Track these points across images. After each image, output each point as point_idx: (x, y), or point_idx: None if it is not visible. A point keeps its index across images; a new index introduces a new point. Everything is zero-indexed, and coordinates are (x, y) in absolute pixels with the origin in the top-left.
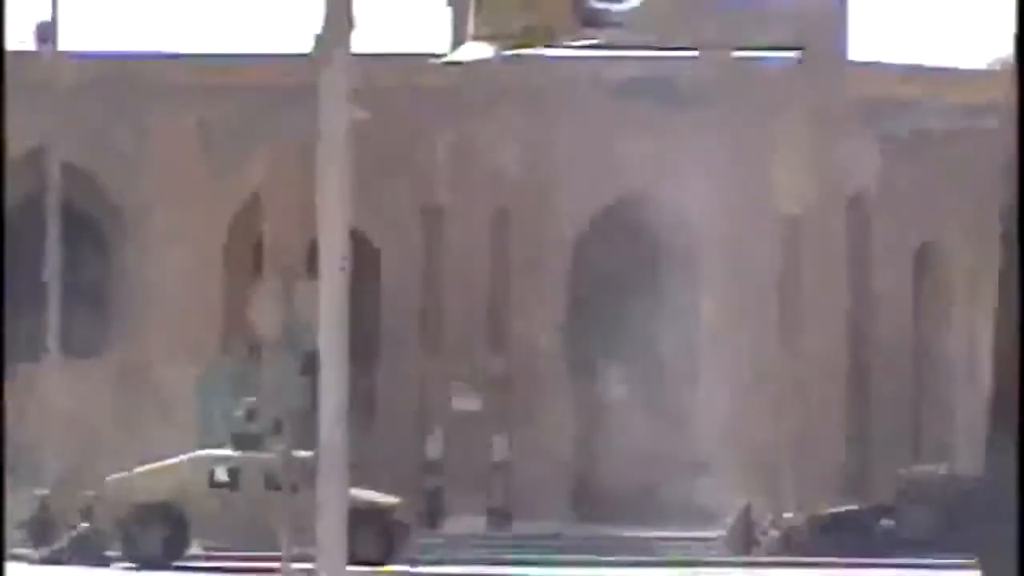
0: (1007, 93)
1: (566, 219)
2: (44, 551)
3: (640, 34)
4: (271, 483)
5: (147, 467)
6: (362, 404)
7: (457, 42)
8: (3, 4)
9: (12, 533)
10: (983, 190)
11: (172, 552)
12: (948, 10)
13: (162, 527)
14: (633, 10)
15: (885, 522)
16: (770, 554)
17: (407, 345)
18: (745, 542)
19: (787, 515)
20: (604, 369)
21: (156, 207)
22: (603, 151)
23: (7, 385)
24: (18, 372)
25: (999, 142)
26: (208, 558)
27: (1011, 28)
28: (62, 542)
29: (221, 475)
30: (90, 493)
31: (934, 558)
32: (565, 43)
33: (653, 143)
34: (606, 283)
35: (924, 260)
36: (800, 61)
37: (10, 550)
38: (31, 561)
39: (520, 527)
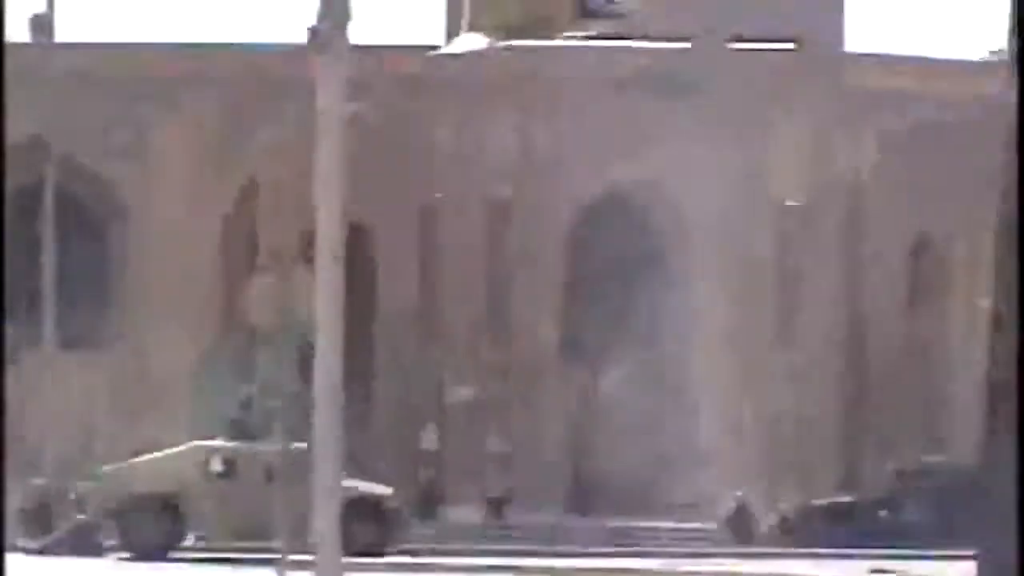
0: (1004, 85)
1: (564, 209)
2: (41, 541)
3: (637, 25)
4: (267, 474)
5: (144, 457)
6: (358, 394)
7: (453, 33)
8: (2, 3)
9: (10, 523)
10: (980, 182)
11: (168, 542)
12: (946, 1)
13: (158, 517)
14: (631, 1)
15: (882, 512)
16: (767, 545)
17: (404, 335)
18: (742, 532)
19: (784, 506)
20: (602, 359)
21: (154, 197)
22: (601, 141)
23: (5, 374)
24: (16, 362)
25: (996, 134)
26: (204, 549)
27: (1007, 21)
28: (59, 532)
29: (217, 465)
30: (87, 483)
31: (931, 548)
32: (563, 34)
33: (651, 133)
34: (605, 273)
35: (921, 251)
36: (797, 52)
37: (7, 540)
38: (28, 551)
39: (517, 517)
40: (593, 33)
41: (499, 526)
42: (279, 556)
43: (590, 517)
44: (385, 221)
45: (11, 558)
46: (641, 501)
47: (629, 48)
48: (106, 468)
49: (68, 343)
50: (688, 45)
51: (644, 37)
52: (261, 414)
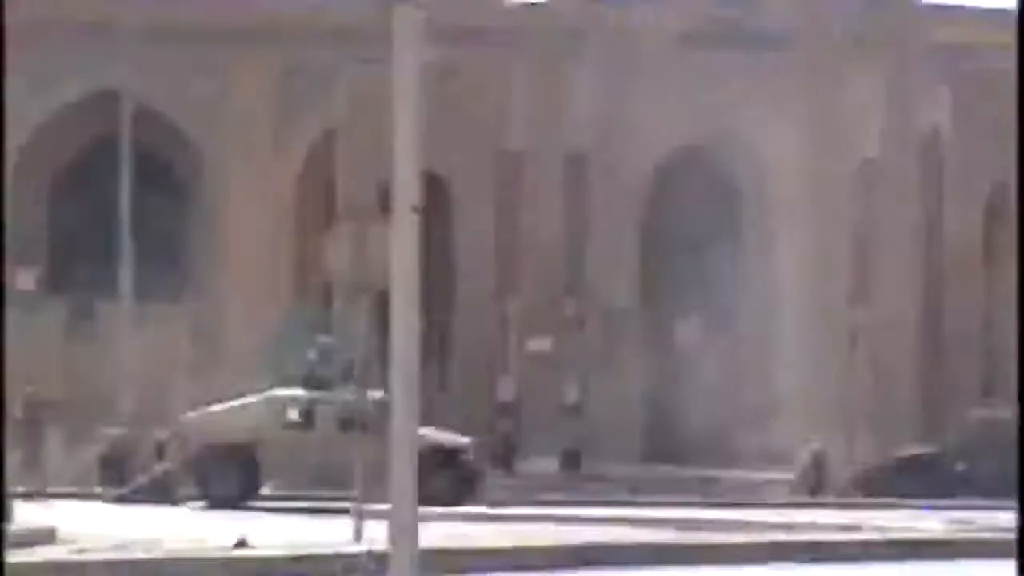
0: None
1: (642, 163)
2: (119, 490)
3: None
4: (344, 423)
5: (221, 406)
6: (436, 345)
7: None
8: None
9: (89, 471)
10: None
11: (245, 492)
12: None
13: (235, 467)
14: None
15: (960, 465)
16: (843, 496)
17: (481, 287)
18: (818, 484)
19: (862, 458)
20: (678, 314)
21: (232, 150)
22: (679, 95)
23: (85, 324)
24: (95, 312)
25: None
26: (281, 498)
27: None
28: (138, 481)
29: (294, 415)
30: (164, 433)
31: (1009, 499)
32: None
33: (729, 87)
34: (681, 228)
35: (997, 203)
36: (873, 3)
37: (88, 489)
38: (107, 499)
39: (593, 468)
40: None
41: (576, 477)
42: (355, 505)
43: (667, 468)
44: (463, 172)
45: (91, 506)
46: (718, 452)
47: (708, 0)
48: (183, 418)
49: (145, 295)
50: None
51: None
52: (338, 364)
